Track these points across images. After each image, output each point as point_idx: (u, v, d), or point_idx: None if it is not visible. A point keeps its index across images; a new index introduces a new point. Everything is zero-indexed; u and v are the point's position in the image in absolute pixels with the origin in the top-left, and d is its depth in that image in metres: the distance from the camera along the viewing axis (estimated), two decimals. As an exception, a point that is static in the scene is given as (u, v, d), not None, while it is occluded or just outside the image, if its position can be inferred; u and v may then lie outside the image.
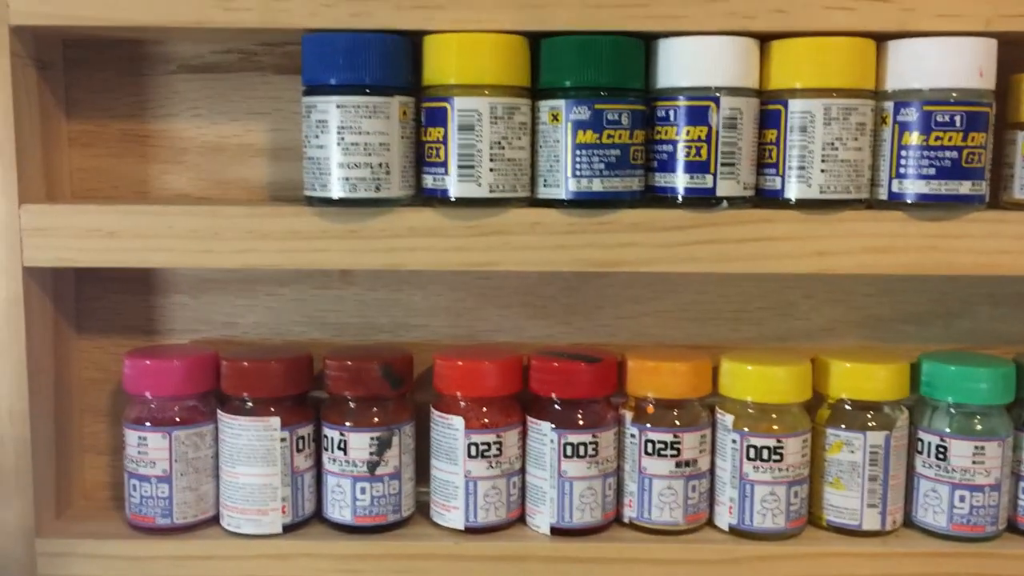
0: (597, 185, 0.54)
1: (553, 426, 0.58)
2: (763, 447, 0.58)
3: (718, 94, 0.53)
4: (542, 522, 0.59)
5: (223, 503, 0.59)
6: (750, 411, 0.59)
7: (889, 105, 0.54)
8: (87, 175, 0.63)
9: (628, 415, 0.60)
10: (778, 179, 0.55)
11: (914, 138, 0.54)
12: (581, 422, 0.59)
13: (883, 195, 0.55)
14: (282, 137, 0.62)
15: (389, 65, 0.53)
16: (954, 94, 0.53)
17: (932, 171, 0.53)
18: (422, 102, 0.55)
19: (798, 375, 0.59)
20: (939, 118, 0.53)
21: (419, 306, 0.65)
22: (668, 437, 0.58)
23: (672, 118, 0.54)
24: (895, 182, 0.54)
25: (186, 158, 0.63)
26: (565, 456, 0.58)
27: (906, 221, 0.55)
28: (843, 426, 0.59)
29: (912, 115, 0.54)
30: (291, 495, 0.59)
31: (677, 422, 0.59)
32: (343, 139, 0.53)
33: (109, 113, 0.63)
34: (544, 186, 0.55)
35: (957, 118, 0.53)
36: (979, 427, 0.58)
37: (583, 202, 0.54)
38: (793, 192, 0.55)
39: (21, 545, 0.58)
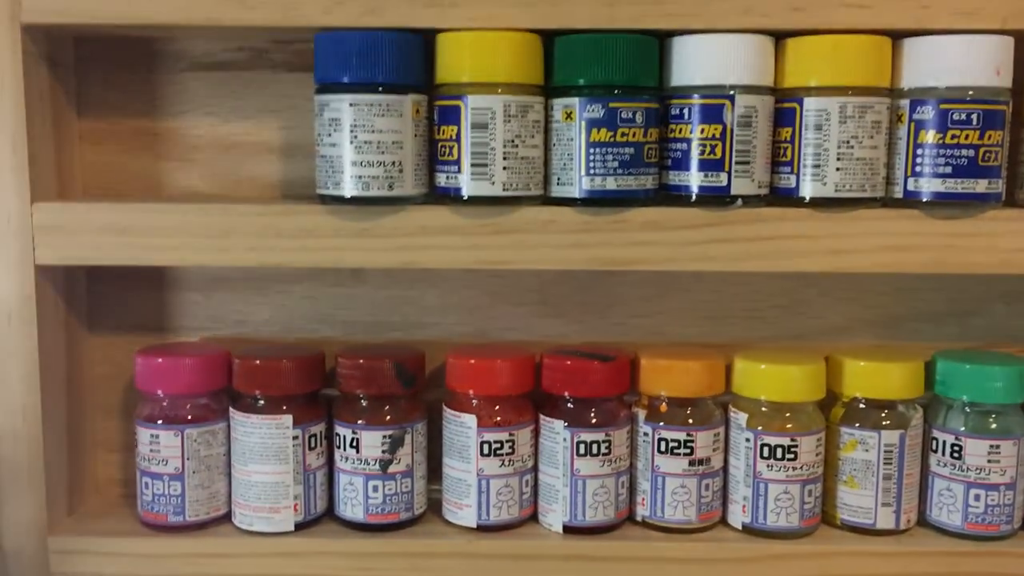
0: (611, 183, 0.54)
1: (566, 424, 0.58)
2: (777, 446, 0.57)
3: (733, 92, 0.53)
4: (555, 520, 0.59)
5: (235, 501, 0.59)
6: (764, 410, 0.58)
7: (905, 103, 0.54)
8: (98, 173, 0.63)
9: (641, 413, 0.59)
10: (793, 177, 0.55)
11: (930, 136, 0.53)
12: (594, 420, 0.58)
13: (898, 194, 0.55)
14: (294, 135, 0.62)
15: (402, 63, 0.53)
16: (971, 92, 0.53)
17: (948, 169, 0.53)
18: (435, 100, 0.55)
19: (812, 374, 0.58)
20: (955, 116, 0.53)
21: (431, 304, 0.64)
22: (681, 436, 0.58)
23: (686, 116, 0.54)
24: (911, 180, 0.54)
25: (197, 156, 0.63)
26: (578, 454, 0.58)
27: (922, 220, 0.54)
28: (857, 425, 0.58)
29: (928, 113, 0.53)
30: (303, 493, 0.59)
31: (690, 420, 0.58)
32: (356, 137, 0.53)
33: (121, 111, 0.63)
34: (557, 184, 0.55)
35: (974, 116, 0.53)
36: (994, 426, 0.58)
37: (597, 200, 0.54)
38: (808, 191, 0.54)
39: (33, 542, 0.58)
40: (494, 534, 0.59)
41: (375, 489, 0.59)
